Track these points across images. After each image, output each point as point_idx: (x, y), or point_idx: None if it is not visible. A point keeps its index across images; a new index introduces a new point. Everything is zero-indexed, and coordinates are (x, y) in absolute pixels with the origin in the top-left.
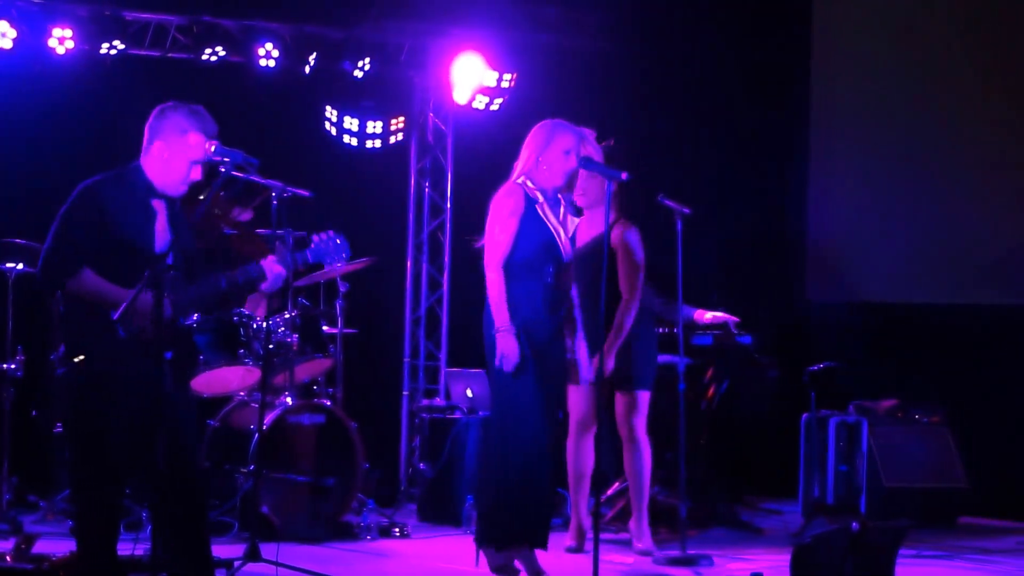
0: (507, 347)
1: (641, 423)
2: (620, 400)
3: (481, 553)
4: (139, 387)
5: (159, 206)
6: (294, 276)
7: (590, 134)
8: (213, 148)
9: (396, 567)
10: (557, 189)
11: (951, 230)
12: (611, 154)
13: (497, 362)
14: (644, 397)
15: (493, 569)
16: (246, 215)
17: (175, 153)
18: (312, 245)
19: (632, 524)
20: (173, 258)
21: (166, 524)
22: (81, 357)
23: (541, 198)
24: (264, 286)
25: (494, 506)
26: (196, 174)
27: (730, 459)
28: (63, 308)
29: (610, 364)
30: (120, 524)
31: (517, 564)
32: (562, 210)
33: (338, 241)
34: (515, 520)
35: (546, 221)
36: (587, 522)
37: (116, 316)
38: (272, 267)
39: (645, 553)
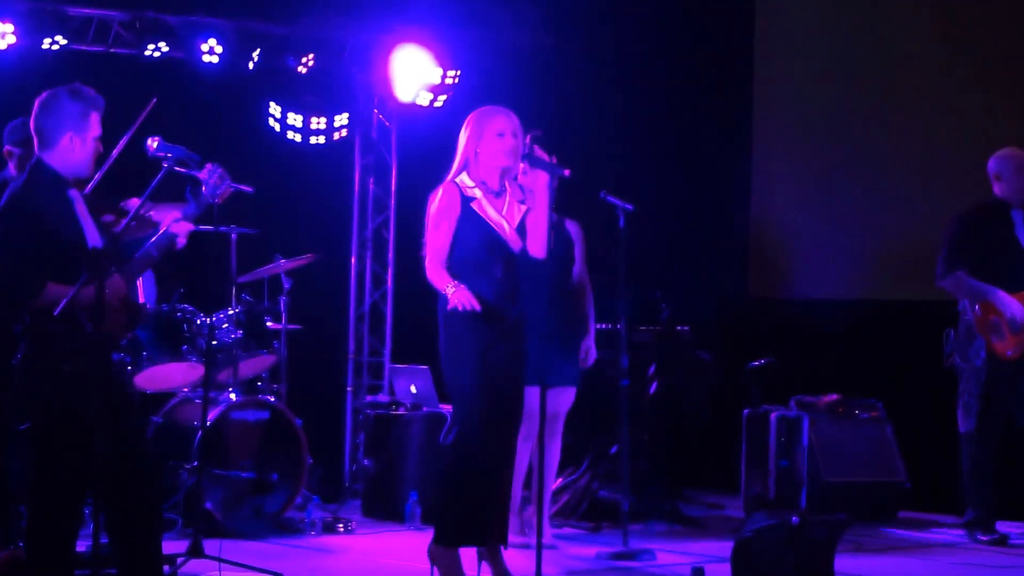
0: (461, 295)
1: (564, 418)
2: (550, 396)
3: (435, 570)
4: (102, 384)
5: (75, 195)
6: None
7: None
8: (156, 143)
9: (340, 563)
10: (502, 176)
11: (892, 227)
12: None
13: (456, 305)
14: (572, 393)
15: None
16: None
17: (85, 138)
18: (203, 186)
19: (529, 515)
20: (104, 244)
21: (118, 522)
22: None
23: (479, 193)
24: (180, 243)
25: (443, 504)
26: (100, 149)
27: (672, 454)
28: (28, 320)
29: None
30: (79, 525)
31: (484, 566)
32: (507, 200)
33: (219, 171)
34: (466, 518)
35: (486, 218)
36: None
37: (57, 312)
38: (180, 226)
39: (551, 546)
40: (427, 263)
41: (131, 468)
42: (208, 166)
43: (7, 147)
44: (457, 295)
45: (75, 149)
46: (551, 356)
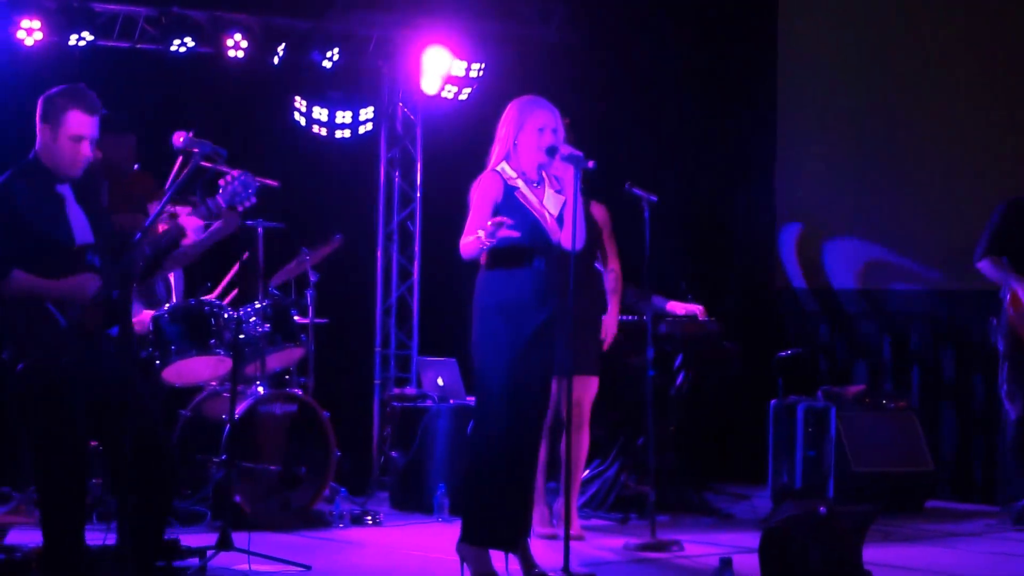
0: (493, 226)
1: (589, 408)
2: (573, 384)
3: (465, 566)
4: (88, 372)
5: (64, 191)
6: (211, 220)
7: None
8: (183, 138)
9: (369, 555)
10: (539, 167)
11: (920, 216)
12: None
13: (493, 238)
14: (595, 382)
15: (473, 570)
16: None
17: (59, 135)
18: (221, 189)
19: (557, 507)
20: (96, 240)
21: (128, 508)
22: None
23: (521, 183)
24: (186, 241)
25: (469, 503)
26: (86, 151)
27: (699, 446)
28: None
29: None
30: (84, 514)
31: (512, 558)
32: (547, 191)
33: (243, 179)
34: (492, 517)
35: (529, 206)
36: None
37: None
38: (189, 220)
39: (579, 537)
40: (461, 240)
41: (143, 451)
42: (232, 173)
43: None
44: (490, 228)
45: (52, 145)
46: (573, 345)
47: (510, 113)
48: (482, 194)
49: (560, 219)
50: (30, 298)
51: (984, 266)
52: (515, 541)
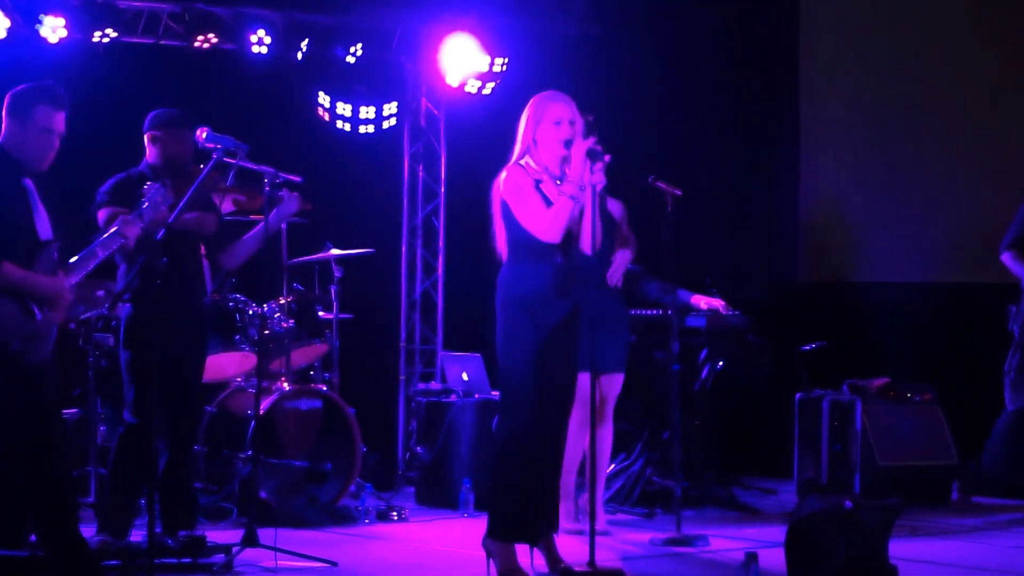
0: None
1: (614, 404)
2: (601, 382)
3: (491, 562)
4: (50, 370)
5: (29, 185)
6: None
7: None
8: (204, 135)
9: (395, 550)
10: (562, 162)
11: (943, 209)
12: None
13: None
14: (620, 379)
15: (500, 574)
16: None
17: (28, 128)
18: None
19: (583, 502)
20: (54, 237)
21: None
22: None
23: (545, 177)
24: (129, 243)
25: (496, 497)
26: (55, 144)
27: (725, 439)
28: None
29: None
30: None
31: (537, 554)
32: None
33: (154, 192)
34: (519, 512)
35: (552, 201)
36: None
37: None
38: (129, 228)
39: (604, 532)
40: (537, 225)
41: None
42: (154, 186)
43: (149, 132)
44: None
45: (20, 138)
46: (598, 342)
47: (528, 109)
48: (519, 183)
49: (580, 213)
50: (12, 291)
51: (1006, 259)
52: (539, 535)
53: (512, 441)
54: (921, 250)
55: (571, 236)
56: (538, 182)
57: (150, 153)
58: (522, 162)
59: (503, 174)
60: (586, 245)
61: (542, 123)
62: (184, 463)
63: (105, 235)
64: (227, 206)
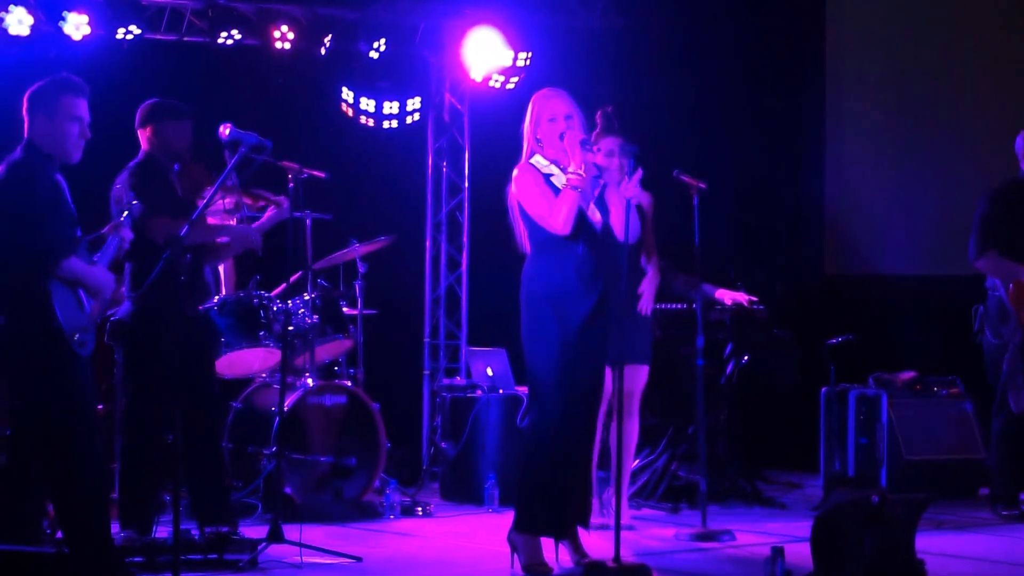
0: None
1: (640, 397)
2: (626, 375)
3: (515, 556)
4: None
5: (61, 180)
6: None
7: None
8: (228, 131)
9: (419, 546)
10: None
11: (968, 201)
12: (610, 119)
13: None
14: (645, 371)
15: (524, 568)
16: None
17: (55, 120)
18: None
19: (608, 496)
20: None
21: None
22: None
23: (555, 169)
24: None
25: (523, 490)
26: (85, 133)
27: (750, 434)
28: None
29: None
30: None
31: (563, 548)
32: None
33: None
34: (546, 505)
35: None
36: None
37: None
38: (124, 231)
39: (629, 527)
40: (549, 219)
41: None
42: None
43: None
44: (575, 179)
45: (50, 132)
46: (624, 334)
47: (529, 109)
48: (528, 181)
49: (599, 202)
50: (73, 283)
51: (984, 264)
52: (565, 529)
53: (540, 435)
54: (948, 242)
55: (590, 227)
56: (548, 176)
57: (153, 145)
58: (532, 160)
59: (514, 174)
60: (618, 231)
61: (541, 121)
62: (209, 459)
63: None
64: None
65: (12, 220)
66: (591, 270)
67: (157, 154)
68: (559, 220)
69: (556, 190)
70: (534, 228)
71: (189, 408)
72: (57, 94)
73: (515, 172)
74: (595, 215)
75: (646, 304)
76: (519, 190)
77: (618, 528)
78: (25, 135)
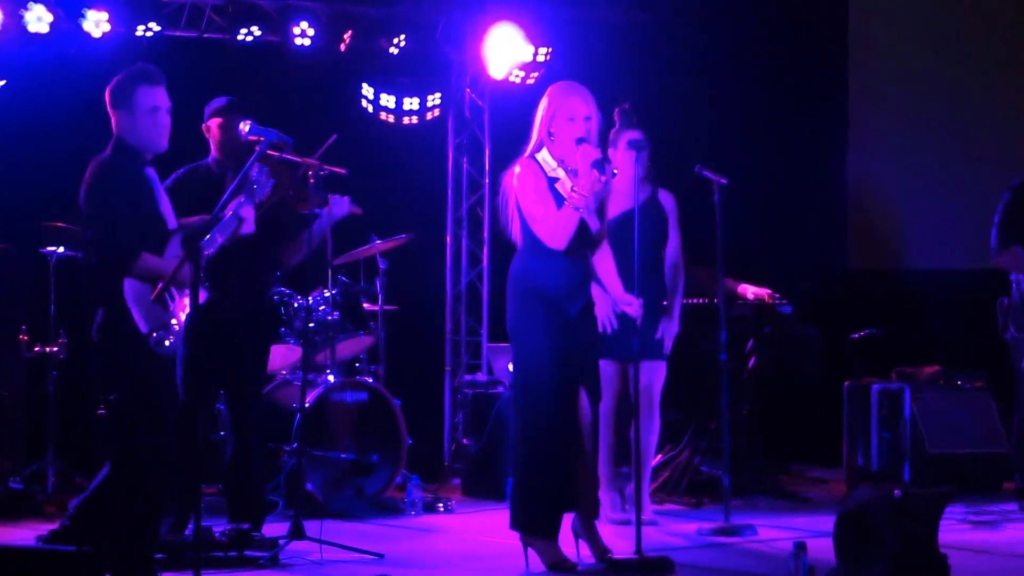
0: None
1: (659, 393)
2: (642, 369)
3: (530, 551)
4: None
5: (151, 174)
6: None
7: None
8: (248, 127)
9: (441, 542)
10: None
11: (993, 195)
12: (627, 116)
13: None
14: (663, 367)
15: (549, 567)
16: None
17: (135, 113)
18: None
19: (631, 492)
20: (176, 226)
21: None
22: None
23: (562, 173)
24: (245, 230)
25: (528, 490)
26: (165, 121)
27: (773, 429)
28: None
29: (675, 327)
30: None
31: (582, 543)
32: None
33: (265, 170)
34: (547, 502)
35: (568, 199)
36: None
37: (152, 298)
38: (246, 210)
39: (651, 523)
40: (545, 230)
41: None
42: (258, 166)
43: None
44: (578, 198)
45: (132, 124)
46: (642, 328)
47: (545, 100)
48: (531, 182)
49: (600, 209)
50: (151, 280)
51: (1007, 259)
52: (558, 527)
53: (531, 432)
54: (971, 236)
55: (588, 235)
56: (553, 180)
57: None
58: (538, 156)
59: (516, 168)
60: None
61: (557, 117)
62: (251, 455)
63: (223, 221)
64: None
65: (92, 220)
66: (583, 275)
67: (216, 153)
68: (556, 237)
69: (558, 197)
70: (528, 228)
71: (240, 405)
72: (133, 86)
73: (518, 166)
74: (595, 223)
75: (667, 346)
76: (519, 186)
77: (639, 522)
78: (113, 132)
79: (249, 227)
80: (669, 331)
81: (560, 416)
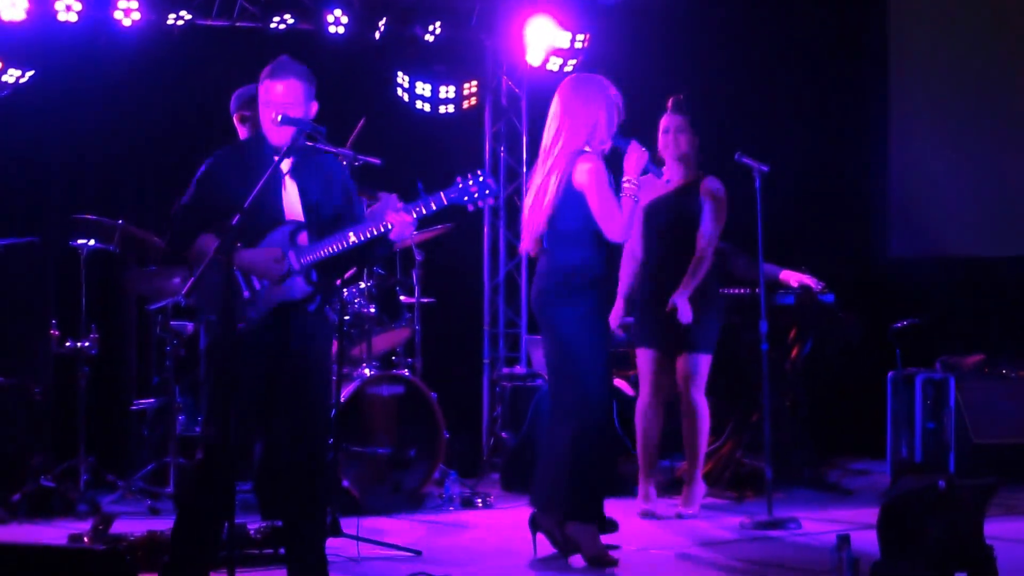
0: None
1: (700, 388)
2: (680, 364)
3: (539, 535)
4: (265, 345)
5: (279, 163)
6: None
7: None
8: (280, 116)
9: (480, 538)
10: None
11: None
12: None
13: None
14: (705, 361)
15: (592, 559)
16: None
17: (260, 107)
18: (455, 185)
19: (684, 490)
20: (307, 218)
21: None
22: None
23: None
24: (393, 236)
25: (583, 479)
26: (275, 118)
27: (816, 420)
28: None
29: (687, 313)
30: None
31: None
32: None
33: (482, 179)
34: (600, 489)
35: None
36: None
37: (184, 292)
38: (396, 217)
39: (694, 516)
40: (619, 223)
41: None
42: (472, 173)
43: (238, 113)
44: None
45: (261, 119)
46: (675, 323)
47: (596, 92)
48: (603, 176)
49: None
50: (223, 263)
51: None
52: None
53: (587, 422)
54: (1014, 222)
55: None
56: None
57: (241, 133)
58: (589, 149)
59: (586, 164)
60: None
61: (610, 113)
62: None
63: (367, 223)
64: None
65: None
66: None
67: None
68: (625, 230)
69: (617, 191)
70: (590, 222)
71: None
72: (261, 80)
73: (587, 162)
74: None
75: (684, 315)
76: (592, 181)
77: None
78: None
79: (398, 232)
80: (682, 304)
81: (609, 404)
